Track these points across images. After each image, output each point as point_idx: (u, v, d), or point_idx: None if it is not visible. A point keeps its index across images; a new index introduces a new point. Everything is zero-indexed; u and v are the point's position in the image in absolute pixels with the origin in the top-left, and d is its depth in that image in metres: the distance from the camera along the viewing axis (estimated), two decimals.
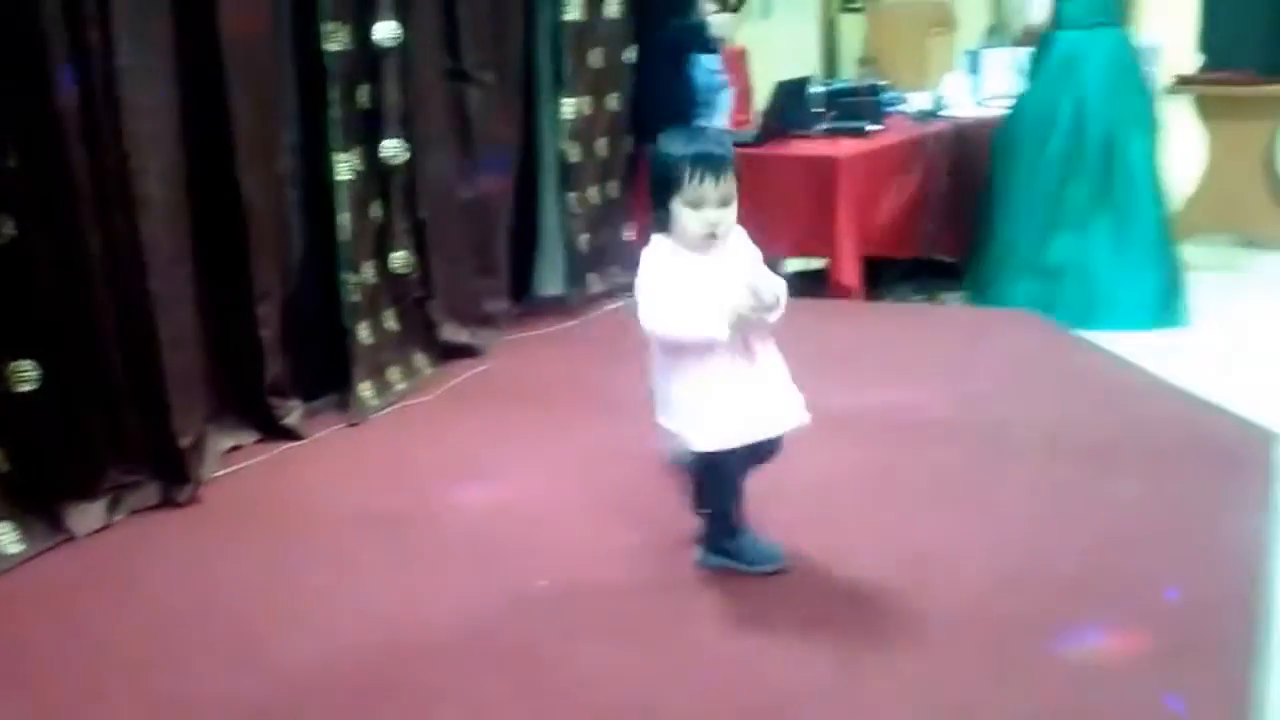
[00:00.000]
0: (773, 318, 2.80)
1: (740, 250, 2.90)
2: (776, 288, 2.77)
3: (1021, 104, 5.92)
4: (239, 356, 4.09)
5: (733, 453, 2.88)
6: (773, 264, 3.02)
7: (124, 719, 2.61)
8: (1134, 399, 4.38)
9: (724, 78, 6.50)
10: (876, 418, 4.19)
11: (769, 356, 2.91)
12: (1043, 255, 5.70)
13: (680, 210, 2.77)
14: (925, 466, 3.79)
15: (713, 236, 2.78)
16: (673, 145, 2.80)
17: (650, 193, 2.86)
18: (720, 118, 6.20)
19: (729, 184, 2.76)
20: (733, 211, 2.80)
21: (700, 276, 2.78)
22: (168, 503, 3.65)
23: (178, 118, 3.77)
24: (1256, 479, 3.60)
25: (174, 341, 3.69)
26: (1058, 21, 5.72)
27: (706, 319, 2.72)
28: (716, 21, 6.41)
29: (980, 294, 5.94)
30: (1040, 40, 5.83)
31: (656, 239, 2.85)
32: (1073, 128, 5.66)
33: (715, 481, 3.02)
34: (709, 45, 6.41)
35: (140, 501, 3.61)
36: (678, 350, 2.83)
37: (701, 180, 2.72)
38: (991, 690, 2.56)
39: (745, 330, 2.79)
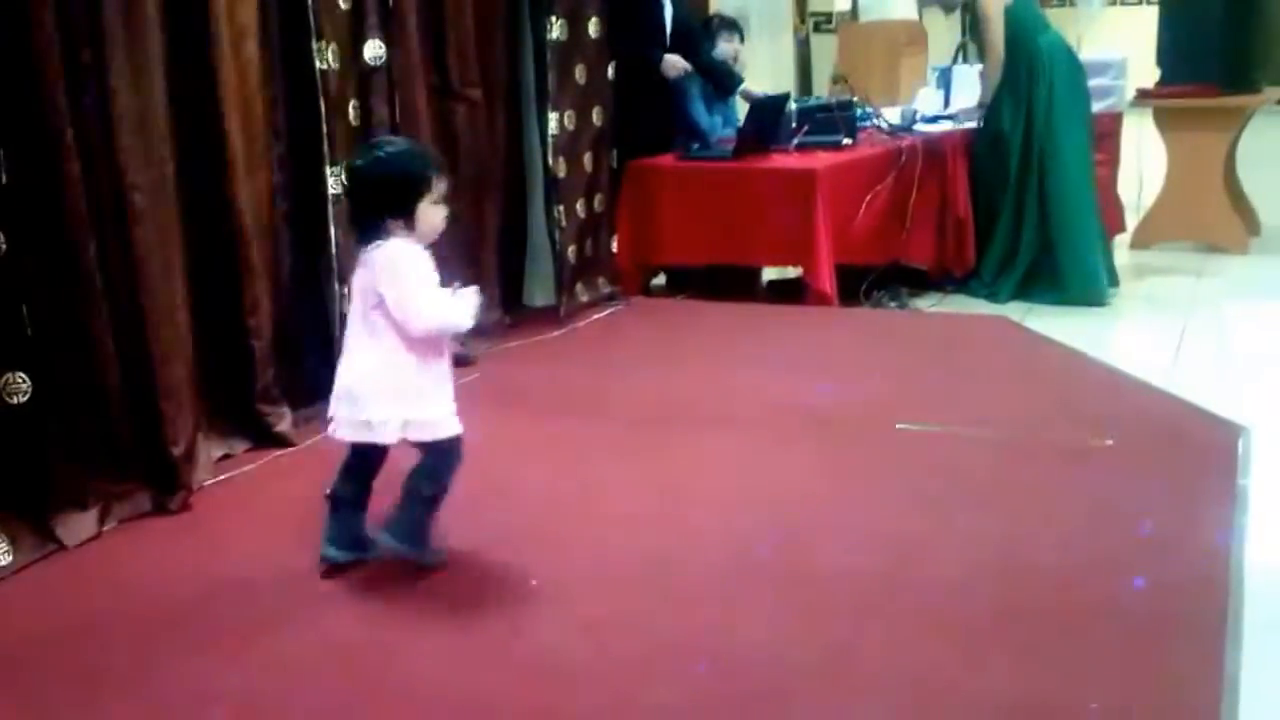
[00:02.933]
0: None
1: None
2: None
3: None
4: (230, 366, 3.97)
5: (453, 439, 3.03)
6: None
7: None
8: (1105, 396, 4.34)
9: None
10: (853, 417, 4.14)
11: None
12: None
13: (430, 209, 2.91)
14: (900, 463, 3.74)
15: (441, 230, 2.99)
16: (404, 156, 2.95)
17: (385, 202, 2.89)
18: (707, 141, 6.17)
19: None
20: None
21: (432, 270, 2.94)
22: (159, 511, 3.52)
23: (170, 133, 3.64)
24: (1224, 471, 3.58)
25: (166, 352, 3.58)
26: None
27: (465, 305, 2.92)
28: (731, 54, 6.39)
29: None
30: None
31: (399, 241, 2.90)
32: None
33: (452, 464, 3.05)
34: (731, 84, 6.39)
35: (131, 510, 3.49)
36: (434, 342, 2.95)
37: (441, 180, 2.93)
38: (971, 676, 2.52)
39: None
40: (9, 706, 2.58)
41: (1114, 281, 6.12)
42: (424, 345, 2.92)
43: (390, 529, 3.02)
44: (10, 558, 3.17)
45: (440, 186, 2.92)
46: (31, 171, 3.23)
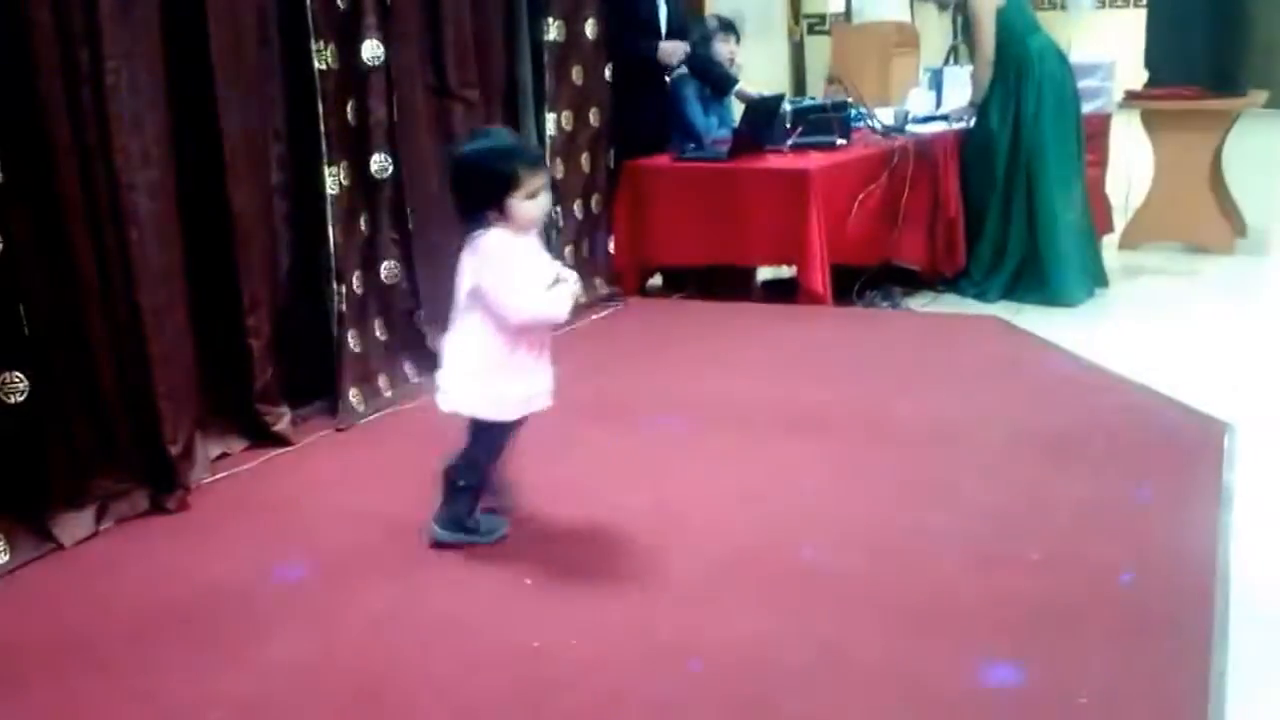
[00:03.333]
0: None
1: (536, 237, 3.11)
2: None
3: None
4: (229, 365, 3.90)
5: (509, 425, 3.10)
6: None
7: None
8: (1094, 394, 4.29)
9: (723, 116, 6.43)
10: (844, 415, 4.10)
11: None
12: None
13: (523, 204, 2.91)
14: (893, 461, 3.70)
15: (543, 220, 3.07)
16: (499, 151, 2.97)
17: (476, 197, 2.93)
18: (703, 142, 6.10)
19: (546, 174, 3.03)
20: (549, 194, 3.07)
21: (533, 260, 2.99)
22: (157, 510, 3.46)
23: (168, 133, 3.57)
24: (1210, 467, 3.56)
25: (164, 352, 3.52)
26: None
27: (560, 297, 2.96)
28: (727, 55, 6.33)
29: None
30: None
31: (496, 232, 2.93)
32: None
33: (488, 454, 3.13)
34: (726, 84, 6.33)
35: (129, 509, 3.43)
36: (528, 331, 2.98)
37: (536, 174, 2.93)
38: (961, 671, 2.50)
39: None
40: (7, 701, 2.52)
41: (1103, 282, 6.09)
42: (516, 332, 2.96)
43: (438, 521, 3.15)
44: (7, 557, 3.11)
45: (533, 182, 2.91)
46: (29, 171, 3.17)
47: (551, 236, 5.45)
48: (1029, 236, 5.85)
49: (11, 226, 3.12)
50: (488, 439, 3.09)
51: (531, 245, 3.01)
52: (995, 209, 5.95)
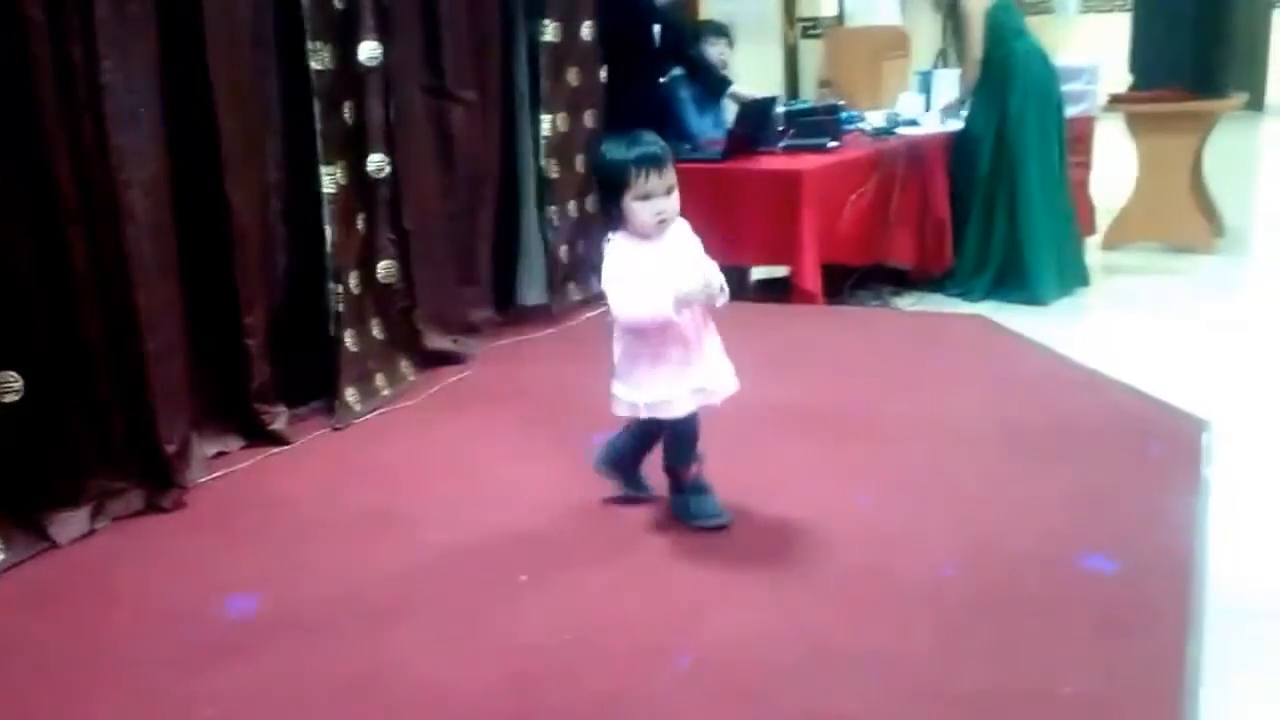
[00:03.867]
0: (720, 301, 2.88)
1: (684, 238, 2.97)
2: (718, 275, 2.88)
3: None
4: (225, 364, 3.80)
5: (678, 420, 3.00)
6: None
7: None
8: (1076, 392, 4.24)
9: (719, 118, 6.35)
10: (834, 412, 4.05)
11: (710, 336, 3.02)
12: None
13: (632, 205, 2.83)
14: (882, 456, 3.65)
15: (663, 223, 2.87)
16: (616, 150, 2.85)
17: (600, 196, 2.96)
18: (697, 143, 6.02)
19: (670, 175, 2.86)
20: (675, 198, 2.89)
21: (656, 262, 2.86)
22: (153, 508, 3.37)
23: (163, 131, 3.46)
24: (1188, 463, 3.53)
25: (160, 351, 3.42)
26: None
27: (659, 299, 2.78)
28: (719, 59, 6.25)
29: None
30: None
31: (615, 237, 2.90)
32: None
33: (632, 447, 3.19)
34: (720, 86, 6.25)
35: (125, 508, 3.33)
36: (640, 331, 2.89)
37: (648, 176, 2.81)
38: (946, 664, 2.47)
39: (692, 310, 2.89)
40: (3, 700, 2.45)
41: (1085, 281, 6.05)
42: (644, 333, 2.90)
43: (603, 451, 3.28)
44: (3, 555, 3.02)
45: (645, 183, 2.81)
46: (22, 168, 3.07)
47: (547, 236, 5.38)
48: (1010, 237, 5.81)
49: (6, 224, 3.03)
50: (629, 433, 3.15)
51: (656, 249, 2.88)
52: (978, 210, 5.91)
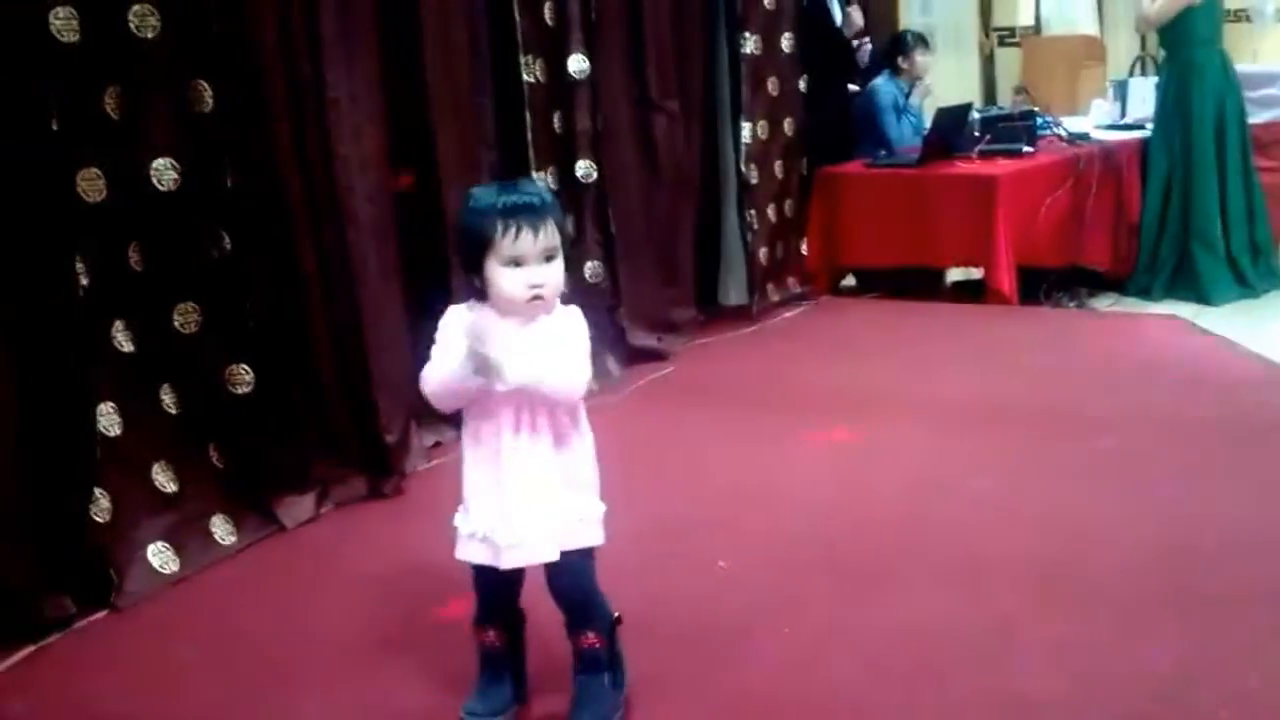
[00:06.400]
0: (498, 385, 1.92)
1: (567, 329, 2.01)
2: (523, 364, 1.90)
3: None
4: None
5: (484, 575, 2.09)
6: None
7: (331, 696, 2.35)
8: (1273, 391, 3.95)
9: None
10: (1029, 409, 3.86)
11: (533, 466, 2.00)
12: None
13: (498, 272, 1.93)
14: (1073, 453, 3.44)
15: (538, 299, 1.95)
16: (483, 198, 1.97)
17: (458, 256, 2.04)
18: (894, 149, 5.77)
19: (552, 236, 1.94)
20: (557, 271, 1.97)
21: (505, 337, 1.93)
22: (374, 495, 3.35)
23: (384, 141, 3.44)
24: None
25: (381, 346, 3.39)
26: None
27: (453, 361, 1.94)
28: (923, 67, 6.02)
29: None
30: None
31: (459, 308, 2.04)
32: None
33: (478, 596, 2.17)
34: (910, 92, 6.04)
35: (347, 494, 3.31)
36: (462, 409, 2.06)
37: (519, 234, 1.91)
38: (1133, 652, 2.34)
39: (499, 421, 1.98)
40: (231, 674, 2.44)
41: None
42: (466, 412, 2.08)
43: None
44: (235, 538, 3.02)
45: (515, 244, 1.92)
46: (254, 176, 3.08)
47: (747, 238, 5.20)
48: (1181, 239, 5.51)
49: (237, 228, 3.04)
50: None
51: (516, 332, 1.96)
52: (1155, 211, 5.62)
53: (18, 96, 2.58)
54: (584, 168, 4.18)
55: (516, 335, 1.95)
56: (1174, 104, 5.48)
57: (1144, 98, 6.18)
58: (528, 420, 1.98)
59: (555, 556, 2.01)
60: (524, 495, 1.99)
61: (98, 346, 2.76)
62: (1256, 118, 5.81)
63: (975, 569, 2.71)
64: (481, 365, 1.89)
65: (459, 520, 2.08)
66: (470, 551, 2.06)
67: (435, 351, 2.02)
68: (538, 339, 1.97)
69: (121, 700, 2.37)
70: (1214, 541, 2.79)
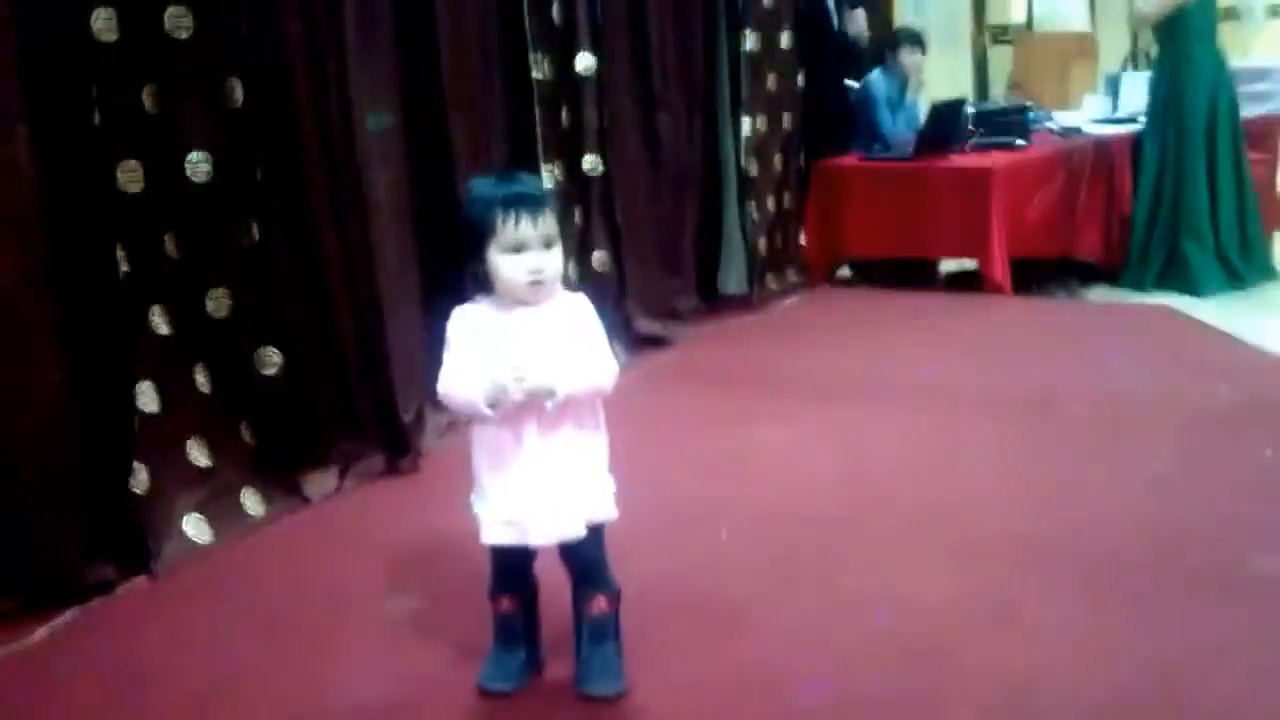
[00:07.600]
0: (549, 404, 2.02)
1: (575, 313, 2.14)
2: (566, 376, 2.02)
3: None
4: None
5: (503, 551, 2.17)
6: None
7: (360, 656, 2.45)
8: (1264, 377, 4.02)
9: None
10: (1021, 397, 3.91)
11: (555, 450, 2.09)
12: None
13: (498, 260, 2.04)
14: (1066, 439, 3.50)
15: (539, 285, 2.06)
16: (482, 189, 2.09)
17: (462, 249, 2.11)
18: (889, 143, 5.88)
19: (550, 224, 2.06)
20: (556, 257, 2.07)
21: (519, 337, 2.06)
22: (392, 471, 3.48)
23: (403, 136, 3.59)
24: None
25: (399, 329, 3.53)
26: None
27: (473, 386, 2.02)
28: (915, 65, 6.10)
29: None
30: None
31: (465, 306, 2.14)
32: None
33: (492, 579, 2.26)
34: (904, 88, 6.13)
35: (367, 470, 3.45)
36: (472, 420, 2.13)
37: (519, 222, 2.02)
38: (1131, 632, 2.38)
39: (520, 414, 2.04)
40: (263, 637, 2.54)
41: (1274, 275, 5.70)
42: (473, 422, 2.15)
43: None
44: (264, 510, 3.16)
45: (516, 231, 2.02)
46: (280, 170, 3.21)
47: (746, 230, 5.33)
48: (1172, 231, 5.54)
49: (266, 218, 3.17)
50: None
51: (525, 321, 2.08)
52: (1146, 204, 5.63)
53: (62, 94, 2.71)
54: (591, 162, 4.31)
55: (530, 329, 2.06)
56: (1167, 98, 5.51)
57: (1136, 92, 6.20)
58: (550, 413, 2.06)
59: (583, 533, 2.11)
60: (549, 478, 2.07)
61: (137, 329, 2.89)
62: (1247, 112, 5.83)
63: (974, 546, 2.78)
64: (504, 399, 1.99)
65: (478, 506, 2.15)
66: (496, 534, 2.12)
67: (448, 356, 2.11)
68: (550, 328, 2.08)
69: (159, 660, 2.47)
70: (1207, 519, 2.85)
